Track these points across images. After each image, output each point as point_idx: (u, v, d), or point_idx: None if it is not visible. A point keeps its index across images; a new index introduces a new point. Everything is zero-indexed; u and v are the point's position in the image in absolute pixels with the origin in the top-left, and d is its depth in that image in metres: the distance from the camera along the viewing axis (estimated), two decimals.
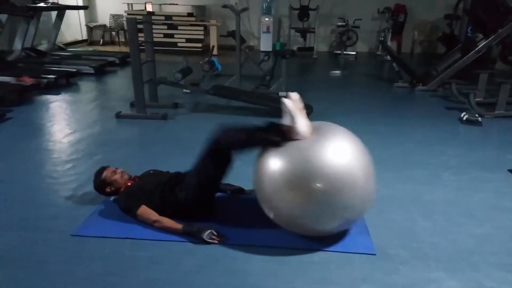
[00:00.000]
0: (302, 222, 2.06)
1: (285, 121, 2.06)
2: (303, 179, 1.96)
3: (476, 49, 5.64)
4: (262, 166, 2.10)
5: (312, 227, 2.08)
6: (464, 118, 4.38)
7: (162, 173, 2.56)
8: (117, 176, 2.45)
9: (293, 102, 2.07)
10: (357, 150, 2.09)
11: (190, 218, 2.29)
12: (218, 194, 2.54)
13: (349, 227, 2.28)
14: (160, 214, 2.27)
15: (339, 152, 2.02)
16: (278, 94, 5.28)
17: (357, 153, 2.07)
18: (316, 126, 2.15)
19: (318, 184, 1.93)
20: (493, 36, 5.50)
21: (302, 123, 2.03)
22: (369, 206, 2.17)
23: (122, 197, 2.36)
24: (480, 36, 5.79)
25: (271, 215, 2.15)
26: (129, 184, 2.44)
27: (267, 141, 2.11)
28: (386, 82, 6.54)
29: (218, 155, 2.22)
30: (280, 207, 2.06)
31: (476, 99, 4.75)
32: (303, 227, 2.12)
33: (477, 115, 4.38)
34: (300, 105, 2.09)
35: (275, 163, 2.03)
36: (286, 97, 2.11)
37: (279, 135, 2.07)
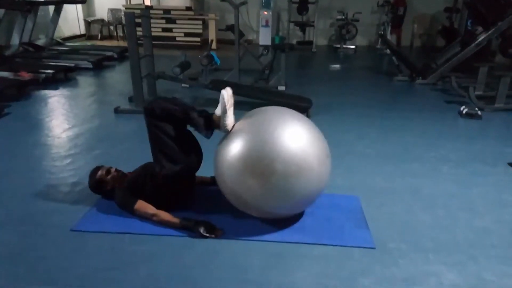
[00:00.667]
0: (258, 204, 2.11)
1: (217, 111, 2.19)
2: (258, 162, 2.01)
3: (476, 42, 5.62)
4: (219, 152, 2.17)
5: (267, 209, 2.13)
6: (464, 112, 4.37)
7: (149, 162, 2.54)
8: (111, 175, 2.44)
9: (228, 96, 2.17)
10: (312, 135, 2.12)
11: (175, 199, 2.33)
12: (216, 188, 2.52)
13: (303, 210, 2.33)
14: (152, 202, 2.27)
15: (295, 135, 2.06)
16: (277, 88, 5.27)
17: (312, 138, 2.11)
18: (274, 110, 2.22)
19: (273, 167, 1.99)
20: (493, 29, 5.48)
21: (230, 117, 2.16)
22: (322, 189, 2.19)
23: (118, 194, 2.36)
24: (480, 29, 5.78)
25: (230, 198, 2.19)
26: (124, 180, 2.44)
27: (196, 121, 2.23)
28: (385, 76, 6.52)
29: (158, 121, 2.25)
30: (237, 190, 2.10)
31: (475, 93, 4.74)
32: (259, 209, 2.15)
33: (476, 109, 4.37)
34: (232, 100, 2.21)
35: (232, 147, 2.09)
36: (223, 89, 2.21)
37: (206, 121, 2.23)
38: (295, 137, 2.06)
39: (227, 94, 2.16)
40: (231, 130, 2.17)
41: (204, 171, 2.49)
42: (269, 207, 2.12)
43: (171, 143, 2.25)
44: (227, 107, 2.14)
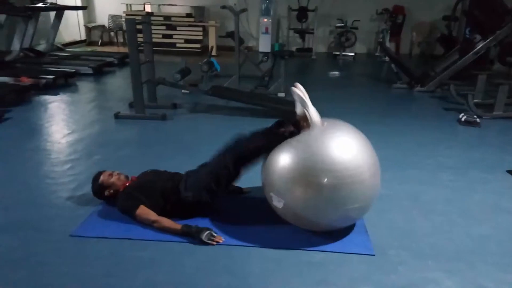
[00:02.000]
0: (307, 215, 2.09)
1: (297, 110, 2.14)
2: (311, 172, 2.00)
3: (474, 50, 5.65)
4: (272, 158, 2.14)
5: (316, 220, 2.12)
6: (463, 119, 4.39)
7: (161, 172, 2.56)
8: (114, 179, 2.44)
9: (301, 91, 2.14)
10: (365, 147, 2.13)
11: (188, 217, 2.31)
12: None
13: (353, 223, 2.31)
14: (160, 212, 2.27)
15: (348, 146, 2.07)
16: (277, 94, 5.29)
17: (365, 149, 2.12)
18: (327, 121, 2.20)
19: (325, 178, 1.97)
20: (491, 37, 5.52)
21: (313, 111, 2.11)
22: (373, 203, 2.20)
23: (120, 198, 2.35)
24: (478, 37, 5.81)
25: (279, 206, 2.14)
26: (127, 185, 2.44)
27: (284, 135, 2.16)
28: (384, 83, 6.55)
29: (239, 165, 2.24)
30: (287, 199, 2.08)
31: (474, 100, 4.77)
32: (307, 220, 2.14)
33: (475, 116, 4.39)
34: (307, 95, 2.15)
35: (285, 156, 2.07)
36: (293, 86, 2.18)
37: (293, 126, 2.16)
38: (346, 147, 2.06)
39: (298, 89, 2.12)
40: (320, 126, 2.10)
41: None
42: (321, 219, 2.11)
43: (225, 182, 2.27)
44: (305, 102, 2.10)
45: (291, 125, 2.19)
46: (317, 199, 2.02)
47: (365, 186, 2.06)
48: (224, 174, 2.25)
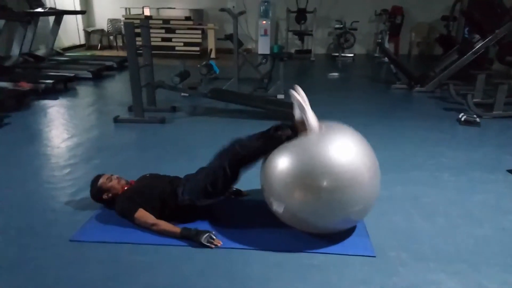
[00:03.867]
0: (308, 219, 2.09)
1: (297, 114, 2.13)
2: (309, 176, 1.99)
3: (473, 50, 5.65)
4: (270, 163, 2.13)
5: (317, 224, 2.11)
6: (462, 119, 4.38)
7: (160, 176, 2.55)
8: (113, 182, 2.43)
9: (300, 95, 2.13)
10: (363, 149, 2.12)
11: (187, 220, 2.30)
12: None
13: (353, 225, 2.30)
14: (159, 215, 2.26)
15: (345, 149, 2.06)
16: (276, 96, 5.29)
17: (363, 151, 2.10)
18: (325, 125, 2.19)
19: (324, 182, 1.96)
20: (490, 37, 5.52)
21: (311, 116, 2.09)
22: (372, 205, 2.19)
23: (119, 201, 2.34)
24: (477, 37, 5.81)
25: (280, 210, 2.12)
26: (125, 188, 2.43)
27: (282, 138, 2.14)
28: (384, 84, 6.55)
29: (236, 168, 2.22)
30: (287, 203, 2.08)
31: (474, 100, 4.76)
32: (308, 224, 2.13)
33: (475, 116, 4.39)
34: (306, 99, 2.14)
35: (283, 160, 2.06)
36: (293, 89, 2.18)
37: (291, 130, 2.15)
38: (344, 150, 2.05)
39: (297, 93, 2.12)
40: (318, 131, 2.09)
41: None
42: (321, 222, 2.11)
43: (222, 186, 2.25)
44: (304, 105, 2.08)
45: (288, 129, 2.18)
46: (316, 202, 2.01)
47: (364, 188, 2.05)
48: (221, 177, 2.23)
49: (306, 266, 2.01)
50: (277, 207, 2.13)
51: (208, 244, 2.12)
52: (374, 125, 4.32)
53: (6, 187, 2.83)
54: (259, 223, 2.35)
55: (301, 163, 2.02)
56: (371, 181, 2.08)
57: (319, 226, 2.15)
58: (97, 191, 2.44)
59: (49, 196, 2.72)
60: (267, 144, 2.19)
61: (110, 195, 2.42)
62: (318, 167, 1.98)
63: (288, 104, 4.56)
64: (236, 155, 2.22)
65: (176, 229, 2.18)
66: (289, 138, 2.14)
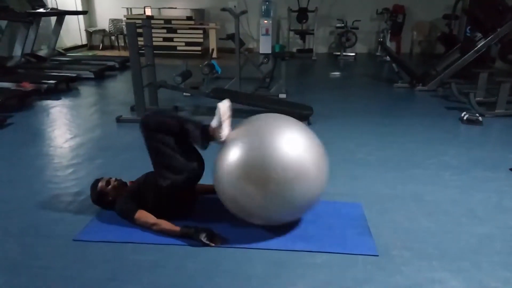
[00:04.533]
0: (257, 211, 2.12)
1: (213, 123, 2.22)
2: (256, 169, 2.02)
3: (475, 48, 5.64)
4: (218, 160, 2.18)
5: (267, 215, 2.15)
6: (465, 118, 4.38)
7: (149, 172, 2.54)
8: (112, 186, 2.44)
9: (225, 109, 2.23)
10: (309, 142, 2.14)
11: (186, 215, 2.33)
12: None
13: (301, 216, 2.34)
14: (155, 213, 2.27)
15: (292, 143, 2.08)
16: (278, 96, 5.29)
17: (309, 144, 2.12)
18: (271, 116, 2.29)
19: (272, 174, 2.00)
20: (492, 35, 5.51)
21: (225, 129, 2.21)
22: (320, 195, 2.20)
23: (118, 203, 2.36)
24: (479, 35, 5.80)
25: (229, 206, 2.19)
26: (124, 190, 2.45)
27: (191, 132, 2.25)
28: (386, 83, 6.54)
29: (155, 133, 2.27)
30: (236, 198, 2.11)
31: (476, 99, 4.75)
32: (259, 216, 2.17)
33: (477, 115, 4.38)
34: (229, 113, 2.27)
35: (230, 155, 2.11)
36: (221, 101, 2.27)
37: (202, 132, 2.26)
38: (291, 143, 2.07)
39: (223, 106, 2.21)
40: (225, 142, 2.19)
41: (207, 180, 2.50)
42: (268, 213, 2.13)
43: (172, 153, 2.25)
44: (223, 119, 2.19)
45: (199, 129, 2.26)
46: (263, 194, 2.04)
47: (309, 180, 2.07)
48: (160, 151, 2.26)
49: (309, 265, 2.02)
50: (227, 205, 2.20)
51: (208, 242, 2.13)
52: (376, 124, 4.32)
53: (10, 187, 2.84)
54: None
55: (248, 159, 2.06)
56: (317, 173, 2.09)
57: (268, 218, 2.18)
58: (97, 196, 2.45)
59: (53, 196, 2.73)
60: (174, 130, 2.26)
61: (110, 198, 2.43)
62: (264, 162, 2.02)
63: (291, 104, 4.59)
64: (146, 124, 2.32)
65: (176, 227, 2.19)
66: (197, 138, 2.26)
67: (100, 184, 2.45)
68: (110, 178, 2.49)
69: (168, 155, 2.25)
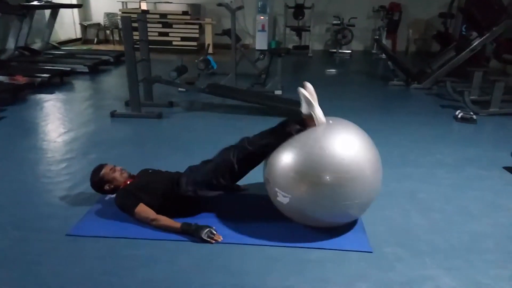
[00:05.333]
0: (312, 213, 2.12)
1: (303, 109, 2.18)
2: (314, 169, 2.02)
3: (471, 47, 5.66)
4: (276, 155, 2.16)
5: (321, 218, 2.15)
6: (459, 116, 4.40)
7: (162, 172, 2.54)
8: (116, 174, 2.41)
9: (308, 92, 2.18)
10: (366, 144, 2.16)
11: (187, 214, 2.31)
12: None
13: (354, 219, 2.33)
14: (160, 211, 2.26)
15: (349, 144, 2.10)
16: (274, 92, 5.28)
17: (366, 147, 2.15)
18: (332, 119, 2.27)
19: (327, 175, 2.01)
20: (487, 34, 5.53)
21: (318, 111, 2.15)
22: (374, 199, 2.23)
23: (120, 195, 2.33)
24: (475, 34, 5.83)
25: (284, 201, 2.15)
26: (128, 182, 2.42)
27: (292, 133, 2.17)
28: (381, 80, 6.55)
29: (243, 163, 2.24)
30: (292, 195, 2.10)
31: (470, 97, 4.77)
32: (311, 218, 2.17)
33: (472, 113, 4.40)
34: (314, 95, 2.20)
35: (289, 153, 2.10)
36: (302, 86, 2.22)
37: (299, 124, 2.18)
38: (346, 145, 2.09)
39: (304, 90, 2.17)
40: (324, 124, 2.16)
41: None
42: (323, 216, 2.14)
43: (228, 178, 2.26)
44: (312, 101, 2.14)
45: (296, 124, 2.20)
46: (319, 195, 2.04)
47: (366, 183, 2.09)
48: (228, 172, 2.24)
49: (303, 261, 2.02)
50: (282, 198, 2.14)
51: (209, 240, 2.12)
52: (371, 121, 4.32)
53: (2, 181, 2.82)
54: (256, 218, 2.35)
55: (307, 156, 2.05)
56: (373, 176, 2.12)
57: (320, 219, 2.17)
58: (99, 181, 2.41)
59: (46, 190, 2.71)
60: (277, 140, 2.20)
61: (111, 186, 2.40)
62: (323, 161, 2.02)
63: (286, 100, 4.58)
64: (244, 150, 2.24)
65: (177, 224, 2.18)
66: (298, 132, 2.17)
67: (104, 170, 2.41)
68: (115, 166, 2.46)
69: (224, 177, 2.25)
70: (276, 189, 2.15)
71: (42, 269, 1.93)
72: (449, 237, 2.25)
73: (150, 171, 2.56)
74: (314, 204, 2.08)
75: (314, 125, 2.15)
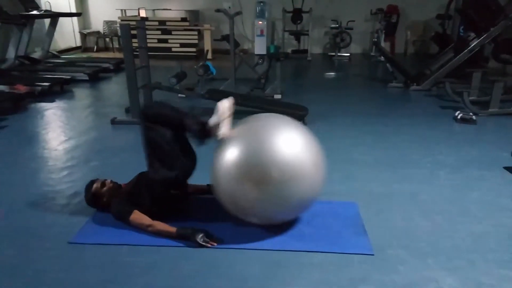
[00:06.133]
0: (255, 211, 2.13)
1: (211, 120, 2.21)
2: (254, 168, 2.03)
3: (469, 48, 5.67)
4: (215, 159, 2.18)
5: (264, 214, 2.16)
6: (459, 117, 4.40)
7: (143, 172, 2.53)
8: (106, 188, 2.43)
9: (224, 108, 2.20)
10: (307, 141, 2.16)
11: (180, 216, 2.32)
12: (212, 196, 2.51)
13: (299, 216, 2.36)
14: (150, 212, 2.26)
15: (290, 142, 2.10)
16: (273, 96, 5.30)
17: (307, 144, 2.14)
18: (269, 116, 2.30)
19: (270, 173, 2.01)
20: (485, 35, 5.54)
21: (224, 128, 2.17)
22: (318, 194, 2.22)
23: (114, 205, 2.35)
24: (472, 35, 5.83)
25: (227, 206, 2.19)
26: (119, 192, 2.43)
27: (191, 127, 2.23)
28: (380, 83, 6.56)
29: (153, 124, 2.24)
30: (234, 197, 2.12)
31: (470, 98, 4.78)
32: (256, 215, 2.18)
33: (471, 114, 4.41)
34: (229, 112, 2.23)
35: (228, 154, 2.11)
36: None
37: (201, 129, 2.23)
38: (289, 143, 2.09)
39: (222, 105, 2.19)
40: (223, 140, 2.17)
41: (199, 179, 2.50)
42: (266, 213, 2.14)
43: (166, 147, 2.25)
44: (222, 118, 2.17)
45: (197, 125, 2.24)
46: (262, 193, 2.05)
47: (306, 179, 2.08)
48: (157, 142, 2.24)
49: (305, 265, 2.02)
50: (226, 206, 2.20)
51: (204, 244, 2.12)
52: (371, 124, 4.33)
53: (4, 190, 2.82)
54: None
55: (246, 158, 2.07)
56: (315, 172, 2.12)
57: (266, 217, 2.20)
58: (91, 198, 2.44)
59: (48, 198, 2.71)
60: (174, 123, 2.25)
61: (105, 199, 2.42)
62: (262, 161, 2.04)
63: (286, 104, 4.59)
64: (145, 114, 2.29)
65: (172, 229, 2.18)
66: (193, 133, 2.24)
67: (95, 185, 2.44)
68: (105, 179, 2.48)
69: (162, 148, 2.24)
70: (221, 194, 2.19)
71: (45, 277, 1.93)
72: (451, 238, 2.25)
73: (138, 175, 2.56)
74: (255, 203, 2.09)
75: (216, 135, 2.17)
